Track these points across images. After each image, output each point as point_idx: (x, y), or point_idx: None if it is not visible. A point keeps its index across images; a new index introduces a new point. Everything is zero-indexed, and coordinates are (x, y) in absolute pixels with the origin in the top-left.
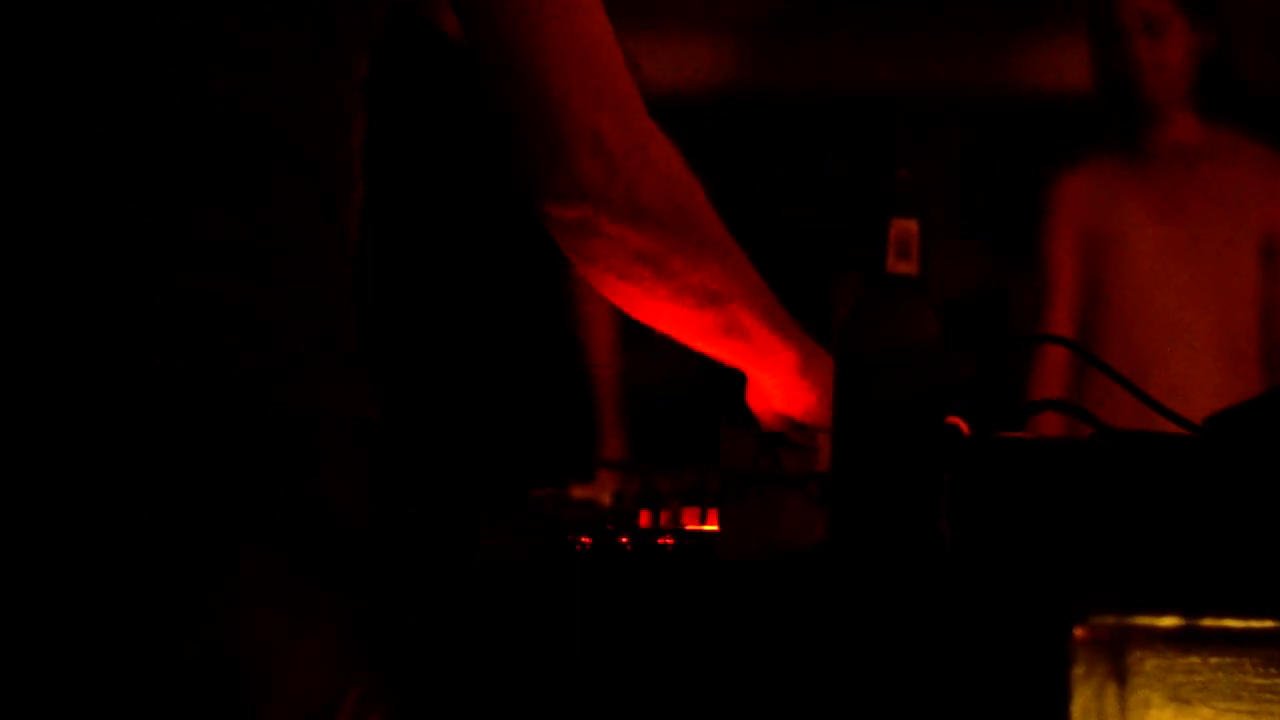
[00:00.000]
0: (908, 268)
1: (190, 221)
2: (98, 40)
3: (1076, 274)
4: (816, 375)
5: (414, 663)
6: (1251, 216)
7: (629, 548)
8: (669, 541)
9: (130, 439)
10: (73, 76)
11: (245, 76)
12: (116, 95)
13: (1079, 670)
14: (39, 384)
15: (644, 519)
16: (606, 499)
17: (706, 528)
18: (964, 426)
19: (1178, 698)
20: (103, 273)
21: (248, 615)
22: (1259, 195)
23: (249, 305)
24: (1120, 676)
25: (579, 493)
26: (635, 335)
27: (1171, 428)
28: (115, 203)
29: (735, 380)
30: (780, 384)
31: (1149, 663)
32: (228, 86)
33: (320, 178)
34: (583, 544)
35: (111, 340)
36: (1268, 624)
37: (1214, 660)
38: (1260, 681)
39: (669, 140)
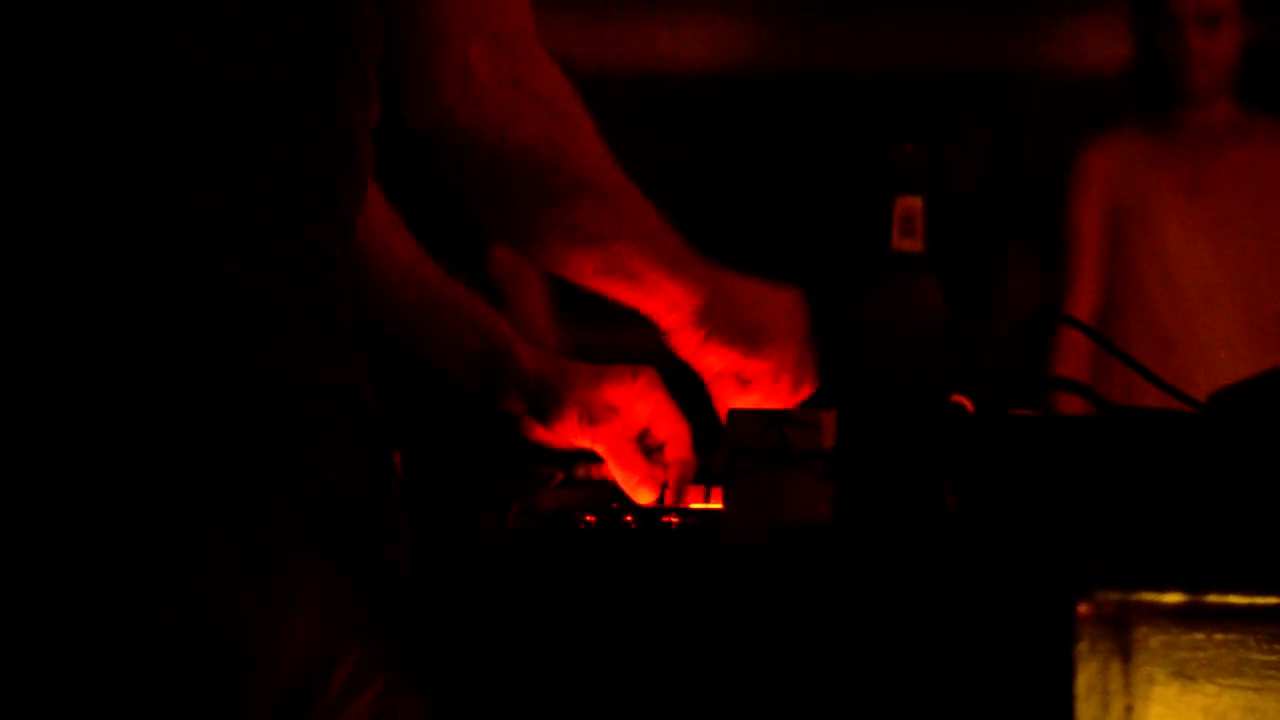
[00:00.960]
0: (912, 245)
1: (190, 212)
2: (98, 40)
3: (1102, 248)
4: (720, 317)
5: (415, 637)
6: None
7: (633, 526)
8: (673, 520)
9: (130, 439)
10: (73, 76)
11: (246, 75)
12: (116, 95)
13: (1083, 646)
14: (39, 384)
15: None
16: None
17: (711, 506)
18: (968, 404)
19: (1182, 674)
20: (103, 273)
21: (246, 607)
22: None
23: (249, 288)
24: (1124, 652)
25: (583, 471)
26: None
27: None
28: (115, 203)
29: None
30: (674, 324)
31: (1153, 639)
32: (228, 86)
33: (319, 165)
34: (587, 522)
35: (111, 340)
36: (1272, 600)
37: (1218, 636)
38: (1264, 658)
39: (562, 76)
